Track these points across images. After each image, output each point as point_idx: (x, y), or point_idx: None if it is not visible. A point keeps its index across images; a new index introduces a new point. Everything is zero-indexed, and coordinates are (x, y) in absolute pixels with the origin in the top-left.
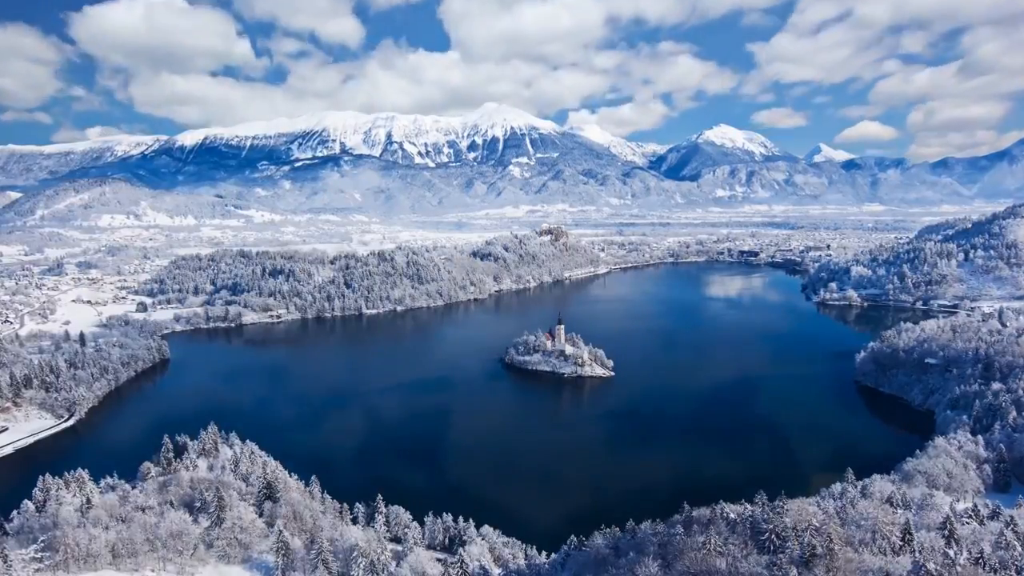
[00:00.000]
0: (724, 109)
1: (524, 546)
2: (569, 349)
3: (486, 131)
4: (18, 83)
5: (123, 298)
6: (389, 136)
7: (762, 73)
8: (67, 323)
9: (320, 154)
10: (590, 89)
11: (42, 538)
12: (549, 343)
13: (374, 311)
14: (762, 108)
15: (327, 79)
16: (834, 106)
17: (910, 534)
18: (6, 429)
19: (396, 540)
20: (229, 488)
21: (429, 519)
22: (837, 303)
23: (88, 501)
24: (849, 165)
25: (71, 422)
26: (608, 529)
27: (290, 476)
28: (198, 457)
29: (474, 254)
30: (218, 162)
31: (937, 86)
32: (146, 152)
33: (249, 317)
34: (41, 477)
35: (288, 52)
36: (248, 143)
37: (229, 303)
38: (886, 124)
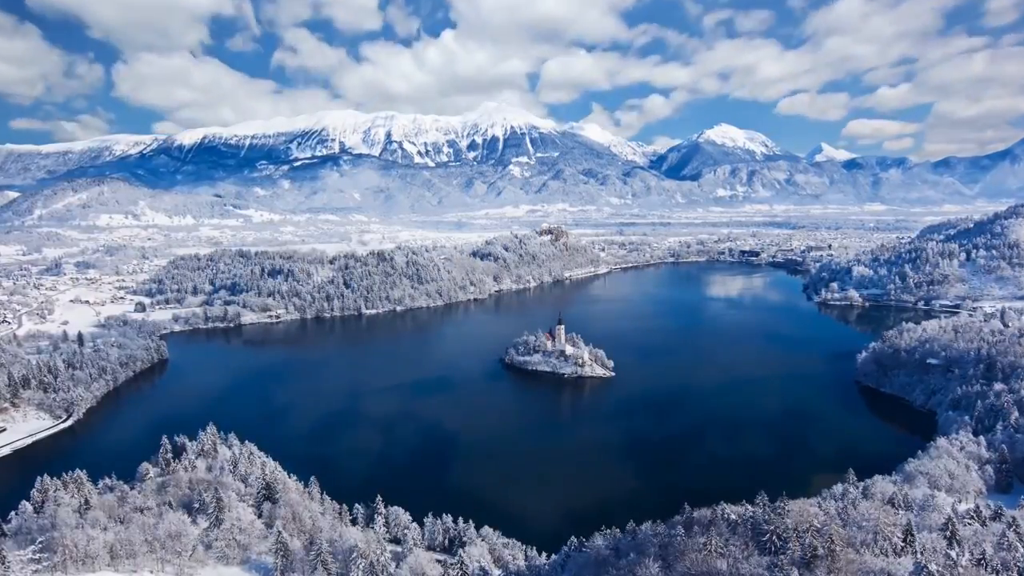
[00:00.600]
0: (756, 94)
1: (524, 547)
2: (569, 349)
3: (486, 130)
4: None
5: (121, 298)
6: (388, 135)
7: (813, 48)
8: (65, 323)
9: (319, 153)
10: (611, 70)
11: (40, 539)
12: (549, 343)
13: (373, 311)
14: (800, 93)
15: (326, 56)
16: (873, 89)
17: (912, 535)
18: (4, 430)
19: (396, 541)
20: (228, 489)
21: (429, 520)
22: (838, 303)
23: (86, 502)
24: (850, 165)
25: (69, 423)
26: (608, 530)
27: (289, 477)
28: (197, 458)
29: (474, 254)
30: (217, 161)
31: (990, 70)
32: (144, 151)
33: (248, 317)
34: (39, 478)
35: (287, 22)
36: (247, 142)
37: (228, 303)
38: (910, 117)
